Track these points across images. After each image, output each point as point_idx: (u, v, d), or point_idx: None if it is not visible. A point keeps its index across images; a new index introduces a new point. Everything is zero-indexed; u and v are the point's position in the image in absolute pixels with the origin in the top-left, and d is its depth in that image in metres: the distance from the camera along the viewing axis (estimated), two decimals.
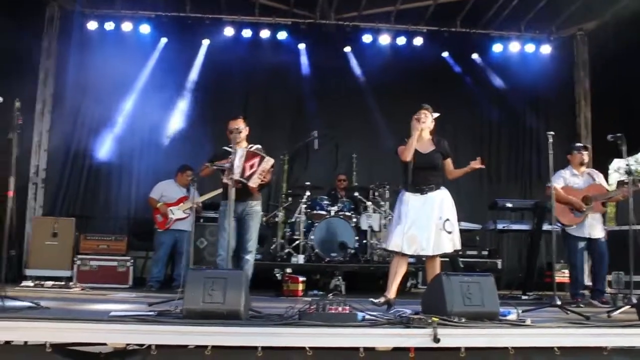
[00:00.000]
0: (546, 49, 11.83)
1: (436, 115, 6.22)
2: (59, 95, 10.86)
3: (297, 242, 9.30)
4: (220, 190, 7.27)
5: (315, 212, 9.52)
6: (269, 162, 6.46)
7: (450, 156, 6.19)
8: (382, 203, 9.80)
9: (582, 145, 7.65)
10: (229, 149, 6.37)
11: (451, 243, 5.89)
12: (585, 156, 7.57)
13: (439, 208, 5.88)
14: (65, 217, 9.86)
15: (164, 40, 11.27)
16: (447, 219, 5.88)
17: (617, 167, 9.89)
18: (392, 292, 5.82)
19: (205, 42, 11.39)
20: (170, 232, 9.00)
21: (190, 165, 9.11)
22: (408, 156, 5.93)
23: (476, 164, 6.00)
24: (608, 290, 7.63)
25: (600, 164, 10.03)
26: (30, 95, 10.41)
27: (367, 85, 11.64)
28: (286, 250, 9.35)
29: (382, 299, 5.71)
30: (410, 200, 5.94)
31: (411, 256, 6.13)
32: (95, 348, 3.85)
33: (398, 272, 5.91)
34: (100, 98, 10.81)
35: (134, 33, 11.03)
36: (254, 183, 6.39)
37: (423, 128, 6.04)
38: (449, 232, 5.86)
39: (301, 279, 8.11)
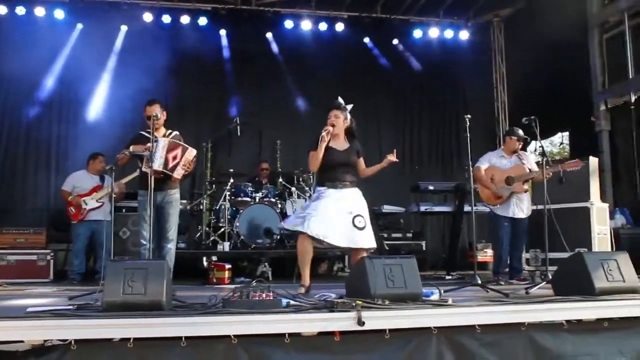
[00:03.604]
0: (464, 35, 12.10)
1: (350, 107, 6.06)
2: None
3: (223, 229, 9.23)
4: (138, 172, 6.90)
5: (239, 199, 9.45)
6: (192, 152, 6.38)
7: (363, 156, 6.12)
8: (307, 189, 9.81)
9: (523, 136, 7.71)
10: (146, 134, 6.23)
11: (366, 240, 5.80)
12: (519, 147, 7.72)
13: (351, 204, 5.84)
14: None
15: (79, 26, 10.95)
16: (358, 215, 5.81)
17: (534, 149, 10.22)
18: (307, 279, 5.80)
19: (124, 28, 11.14)
20: (86, 223, 8.72)
21: (101, 152, 8.90)
22: (314, 167, 5.92)
23: (392, 157, 5.98)
24: (526, 267, 7.91)
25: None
26: None
27: (290, 71, 11.66)
28: (211, 238, 9.27)
29: (302, 290, 5.67)
30: (326, 194, 5.91)
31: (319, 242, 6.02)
32: (11, 346, 3.71)
33: (307, 256, 5.85)
34: (13, 86, 10.51)
35: (48, 18, 10.70)
36: (178, 174, 6.31)
37: (335, 132, 5.91)
38: (360, 229, 5.80)
39: (227, 266, 8.05)
